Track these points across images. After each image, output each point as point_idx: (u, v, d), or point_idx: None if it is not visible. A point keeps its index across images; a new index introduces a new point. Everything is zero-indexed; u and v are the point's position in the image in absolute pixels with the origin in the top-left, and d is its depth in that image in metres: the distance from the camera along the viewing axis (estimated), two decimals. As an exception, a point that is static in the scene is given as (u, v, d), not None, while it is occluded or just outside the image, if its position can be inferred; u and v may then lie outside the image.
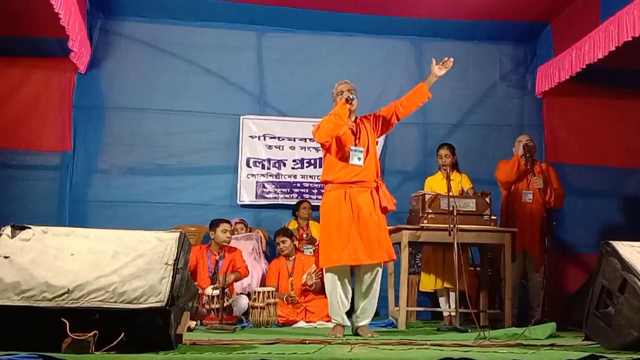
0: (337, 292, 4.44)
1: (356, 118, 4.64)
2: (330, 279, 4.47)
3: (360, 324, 4.49)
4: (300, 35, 7.25)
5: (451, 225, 5.02)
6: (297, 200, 6.99)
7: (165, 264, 2.96)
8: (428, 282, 5.85)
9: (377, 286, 4.49)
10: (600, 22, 5.79)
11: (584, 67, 6.11)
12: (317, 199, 6.87)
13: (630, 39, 5.27)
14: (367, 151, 4.51)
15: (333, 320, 4.54)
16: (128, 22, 7.00)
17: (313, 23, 7.09)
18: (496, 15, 6.86)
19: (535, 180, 5.82)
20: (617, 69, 6.40)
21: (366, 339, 3.97)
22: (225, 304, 5.23)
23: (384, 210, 4.52)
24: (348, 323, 4.54)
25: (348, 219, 4.38)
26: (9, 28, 5.91)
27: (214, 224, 5.93)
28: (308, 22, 7.09)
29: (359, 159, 4.46)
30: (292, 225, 6.69)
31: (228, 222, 5.98)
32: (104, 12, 6.92)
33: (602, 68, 6.09)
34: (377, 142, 4.72)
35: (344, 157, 4.47)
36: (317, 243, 6.44)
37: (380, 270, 4.50)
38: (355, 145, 4.49)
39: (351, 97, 4.46)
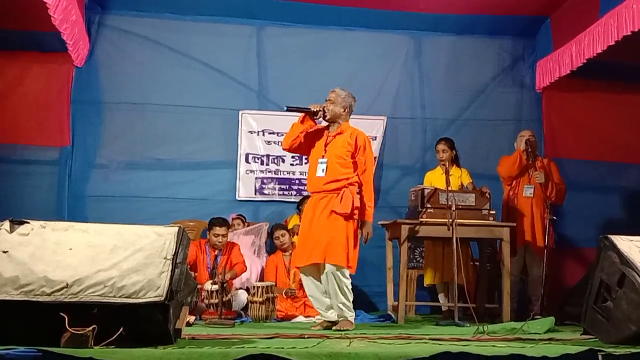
0: (309, 292, 4.70)
1: (340, 127, 4.66)
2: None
3: (339, 319, 4.54)
4: (299, 30, 7.23)
5: (450, 220, 5.02)
6: (295, 196, 7.00)
7: (164, 258, 2.96)
8: (428, 277, 5.86)
9: (334, 287, 4.45)
10: (599, 16, 5.79)
11: (584, 61, 6.10)
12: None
13: (629, 33, 5.26)
14: (334, 161, 4.55)
15: None
16: (126, 16, 6.98)
17: (312, 17, 7.08)
18: (495, 10, 6.86)
19: (537, 175, 5.83)
20: (616, 63, 6.40)
21: (366, 334, 3.97)
22: (224, 299, 5.24)
23: (347, 214, 4.45)
24: (331, 318, 4.60)
25: (305, 223, 4.64)
26: (6, 22, 5.89)
27: (209, 226, 5.95)
28: (307, 16, 7.07)
29: (323, 170, 4.58)
30: (294, 219, 6.69)
31: (222, 225, 5.92)
32: (103, 6, 6.90)
33: (602, 63, 6.08)
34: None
35: (313, 168, 4.67)
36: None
37: (333, 271, 4.43)
38: (322, 157, 4.60)
39: (313, 110, 4.62)
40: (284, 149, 4.96)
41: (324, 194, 4.55)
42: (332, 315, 4.59)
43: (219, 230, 5.89)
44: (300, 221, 6.59)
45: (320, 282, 4.58)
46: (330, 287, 4.49)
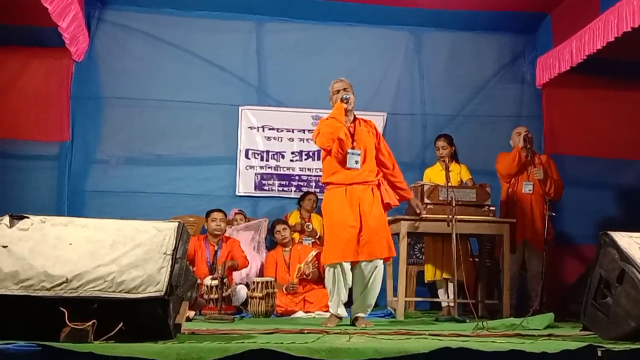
0: (339, 286, 4.45)
1: (355, 118, 4.64)
2: (332, 273, 4.47)
3: (358, 315, 4.51)
4: (299, 25, 7.23)
5: (450, 216, 5.02)
6: (295, 192, 7.00)
7: (164, 253, 2.95)
8: (429, 273, 5.86)
9: (377, 281, 4.49)
10: (600, 12, 5.78)
11: (584, 58, 6.10)
12: (315, 191, 6.87)
13: (629, 29, 5.26)
14: (365, 153, 4.51)
15: (331, 311, 4.57)
16: (126, 11, 6.98)
17: (312, 13, 7.07)
18: (496, 6, 6.85)
19: (536, 172, 5.82)
20: (616, 60, 6.40)
21: (364, 329, 3.98)
22: (224, 294, 5.25)
23: (387, 206, 4.55)
24: (345, 314, 4.58)
25: (349, 215, 4.40)
26: (5, 17, 5.88)
27: (207, 214, 5.97)
28: (307, 12, 7.07)
29: (357, 162, 4.47)
30: (295, 215, 6.70)
31: (219, 211, 5.99)
32: (102, 1, 6.90)
33: (602, 59, 6.08)
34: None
35: (343, 159, 4.48)
36: (317, 236, 6.48)
37: (381, 265, 4.50)
38: (352, 147, 4.49)
39: (345, 96, 4.48)
40: (326, 147, 4.48)
41: (365, 186, 4.48)
42: (345, 313, 4.59)
43: (216, 214, 5.92)
44: (300, 217, 6.64)
45: (349, 277, 4.51)
46: (374, 280, 4.46)
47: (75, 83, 6.70)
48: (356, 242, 4.38)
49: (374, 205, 4.45)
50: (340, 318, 4.56)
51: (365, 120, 4.69)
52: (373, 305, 4.56)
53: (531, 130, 6.12)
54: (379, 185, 4.55)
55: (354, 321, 4.52)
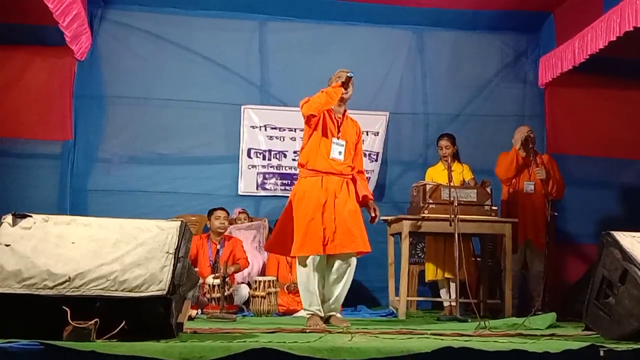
0: (314, 283, 4.31)
1: (345, 112, 4.62)
2: (305, 270, 4.33)
3: (333, 313, 4.45)
4: (301, 24, 7.22)
5: (452, 216, 5.01)
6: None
7: (167, 252, 2.96)
8: (429, 272, 5.87)
9: (350, 276, 4.41)
10: (603, 12, 5.77)
11: (587, 57, 6.09)
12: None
13: (632, 29, 5.25)
14: (346, 147, 4.49)
15: (308, 312, 4.36)
16: (129, 10, 6.97)
17: (314, 12, 7.06)
18: (498, 5, 6.84)
19: (538, 171, 5.82)
20: (619, 59, 6.39)
21: (366, 328, 3.97)
22: (226, 293, 5.26)
23: (364, 199, 4.51)
24: (322, 313, 4.39)
25: (322, 206, 4.29)
26: (7, 16, 5.88)
27: (210, 213, 5.99)
28: (309, 11, 7.06)
29: (340, 152, 4.44)
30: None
31: (222, 209, 6.02)
32: (105, 0, 6.89)
33: (605, 59, 6.07)
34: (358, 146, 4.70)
35: (326, 146, 4.41)
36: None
37: (354, 261, 4.41)
38: (337, 137, 4.47)
39: (350, 74, 4.39)
40: (310, 113, 4.32)
41: (341, 178, 4.43)
42: (323, 311, 4.45)
43: (220, 212, 5.96)
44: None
45: (324, 273, 4.41)
46: (347, 276, 4.39)
47: (77, 82, 6.70)
48: (328, 234, 4.25)
49: (349, 199, 4.39)
50: (321, 317, 4.35)
51: (352, 119, 4.67)
52: (343, 299, 4.49)
53: (533, 129, 6.12)
54: (354, 180, 4.52)
55: (329, 319, 4.40)
